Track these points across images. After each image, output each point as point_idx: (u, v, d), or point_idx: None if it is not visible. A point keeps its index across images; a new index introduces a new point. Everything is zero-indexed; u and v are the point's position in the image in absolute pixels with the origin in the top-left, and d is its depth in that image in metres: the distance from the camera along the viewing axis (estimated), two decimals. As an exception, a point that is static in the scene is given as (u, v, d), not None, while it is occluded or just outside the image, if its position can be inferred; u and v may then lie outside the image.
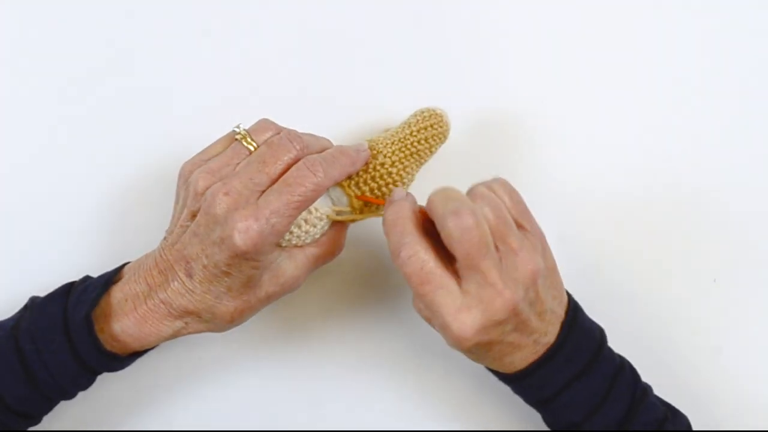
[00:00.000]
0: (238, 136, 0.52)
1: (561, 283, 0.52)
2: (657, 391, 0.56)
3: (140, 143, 0.60)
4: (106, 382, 0.56)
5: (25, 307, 0.52)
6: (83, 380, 0.52)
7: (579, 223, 0.61)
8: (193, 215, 0.50)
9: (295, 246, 0.53)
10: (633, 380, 0.52)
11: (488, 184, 0.50)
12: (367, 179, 0.55)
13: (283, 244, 0.53)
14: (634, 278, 0.62)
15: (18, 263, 0.58)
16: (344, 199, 0.55)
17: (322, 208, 0.53)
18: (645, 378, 0.56)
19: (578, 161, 0.62)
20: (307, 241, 0.53)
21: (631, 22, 0.63)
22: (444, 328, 0.47)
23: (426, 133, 0.56)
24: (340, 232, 0.55)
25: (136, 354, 0.52)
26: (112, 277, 0.51)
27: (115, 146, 0.60)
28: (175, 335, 0.51)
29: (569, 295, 0.53)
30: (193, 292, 0.50)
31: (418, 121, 0.57)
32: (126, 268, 0.52)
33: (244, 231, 0.47)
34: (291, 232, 0.52)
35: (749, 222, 0.63)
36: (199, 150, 0.53)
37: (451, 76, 0.61)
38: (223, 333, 0.56)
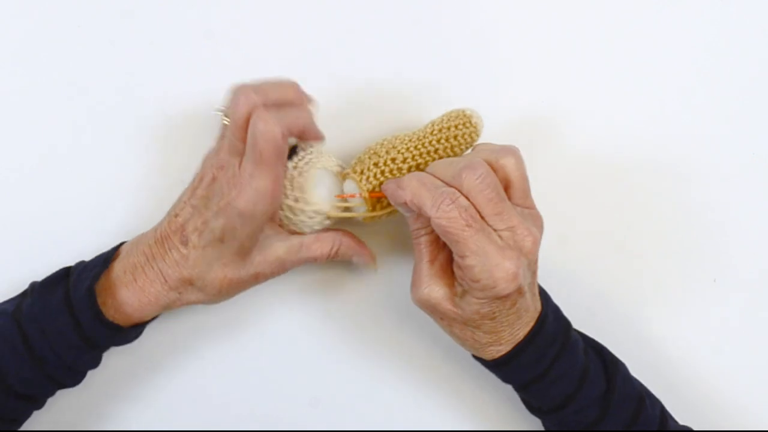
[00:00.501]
0: (218, 115, 0.54)
1: None
2: (656, 391, 0.56)
3: (140, 143, 0.60)
4: (105, 381, 0.56)
5: (24, 292, 0.53)
6: (87, 357, 0.52)
7: (579, 223, 0.61)
8: (193, 192, 0.52)
9: (297, 232, 0.54)
10: (593, 347, 0.55)
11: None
12: (377, 173, 0.54)
13: (284, 222, 0.54)
14: (634, 278, 0.62)
15: (16, 255, 0.58)
16: (356, 193, 0.54)
17: (321, 203, 0.53)
18: (645, 378, 0.56)
19: (578, 161, 0.62)
20: (304, 230, 0.54)
21: (640, 25, 0.63)
22: (489, 275, 0.48)
23: (448, 133, 0.55)
24: (345, 242, 0.55)
25: (137, 327, 0.53)
26: (111, 255, 0.53)
27: (116, 145, 0.60)
28: (169, 305, 0.53)
29: None
30: (187, 258, 0.52)
31: (442, 120, 0.56)
32: (123, 246, 0.54)
33: (238, 196, 0.50)
34: (287, 217, 0.53)
35: (749, 222, 0.63)
36: (200, 152, 0.54)
37: (451, 78, 0.61)
38: (223, 333, 0.57)
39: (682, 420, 0.56)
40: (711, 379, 0.60)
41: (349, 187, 0.54)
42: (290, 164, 0.54)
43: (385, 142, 0.55)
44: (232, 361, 0.60)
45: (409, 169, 0.54)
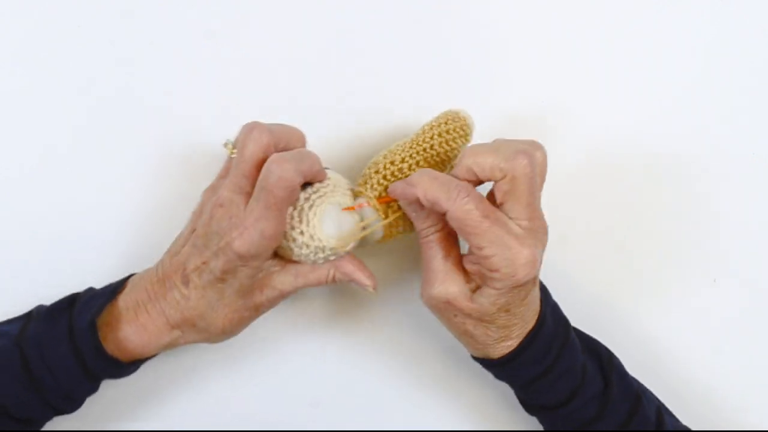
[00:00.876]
0: (227, 150, 0.54)
1: None
2: (656, 391, 0.56)
3: (141, 146, 0.60)
4: (105, 383, 0.56)
5: (29, 315, 0.53)
6: (86, 386, 0.52)
7: (579, 223, 0.61)
8: (193, 230, 0.52)
9: (293, 261, 0.53)
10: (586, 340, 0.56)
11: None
12: (380, 179, 0.54)
13: (287, 252, 0.53)
14: (634, 278, 0.62)
15: (19, 270, 0.58)
16: (370, 214, 0.54)
17: (327, 240, 0.52)
18: (644, 377, 0.56)
19: (578, 161, 0.62)
20: (308, 262, 0.53)
21: (640, 24, 0.63)
22: (509, 264, 0.48)
23: (440, 129, 0.55)
24: (333, 270, 0.54)
25: (138, 362, 0.53)
26: (118, 288, 0.53)
27: (116, 149, 0.59)
28: (172, 344, 0.53)
29: None
30: (188, 299, 0.51)
31: (438, 119, 0.56)
32: (130, 279, 0.54)
33: (238, 237, 0.49)
34: (290, 248, 0.52)
35: (749, 222, 0.63)
36: (200, 152, 0.56)
37: (451, 80, 0.61)
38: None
39: (681, 420, 0.56)
40: (710, 379, 0.60)
41: (359, 201, 0.54)
42: (302, 195, 0.52)
43: (384, 152, 0.56)
44: (232, 362, 0.60)
45: (410, 168, 0.54)
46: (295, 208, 0.52)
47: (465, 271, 0.52)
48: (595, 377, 0.53)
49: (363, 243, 0.55)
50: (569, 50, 0.62)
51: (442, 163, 0.56)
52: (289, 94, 0.60)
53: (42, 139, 0.59)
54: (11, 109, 0.59)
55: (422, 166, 0.54)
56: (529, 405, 0.56)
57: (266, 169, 0.49)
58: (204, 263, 0.50)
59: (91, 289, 0.53)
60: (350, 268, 0.54)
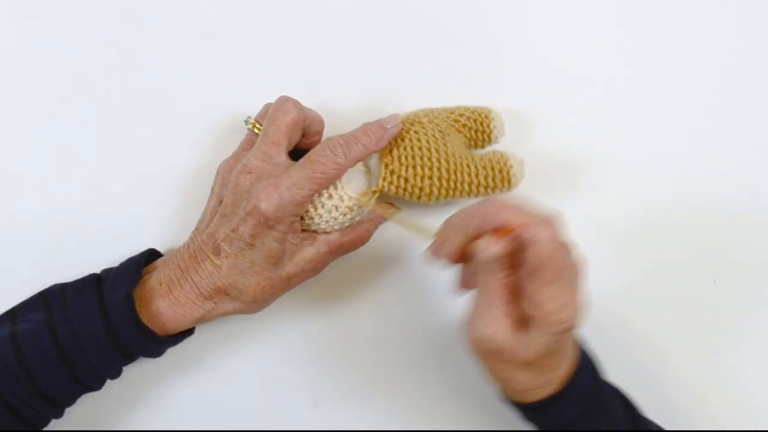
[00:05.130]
0: (248, 126, 0.56)
1: None
2: (656, 392, 0.56)
3: (142, 144, 0.60)
4: (110, 385, 0.56)
5: (46, 296, 0.53)
6: (116, 366, 0.53)
7: (579, 223, 0.61)
8: (220, 201, 0.54)
9: (324, 231, 0.55)
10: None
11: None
12: (408, 147, 0.55)
13: (312, 227, 0.54)
14: (634, 278, 0.62)
15: (21, 261, 0.59)
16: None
17: (353, 196, 0.54)
18: (644, 378, 0.56)
19: (577, 160, 0.62)
20: (335, 227, 0.55)
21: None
22: (568, 305, 0.47)
23: (471, 124, 0.57)
24: (368, 224, 0.57)
25: (170, 339, 0.54)
26: (141, 262, 0.54)
27: (118, 146, 0.60)
28: (205, 316, 0.54)
29: None
30: (220, 268, 0.52)
31: (468, 109, 0.58)
32: (158, 260, 0.56)
33: (266, 199, 0.51)
34: (320, 216, 0.54)
35: (750, 222, 0.63)
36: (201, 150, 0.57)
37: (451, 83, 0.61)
38: (223, 334, 0.56)
39: (680, 421, 0.56)
40: (710, 379, 0.60)
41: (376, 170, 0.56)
42: None
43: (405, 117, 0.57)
44: (232, 362, 0.60)
45: (437, 149, 0.55)
46: None
47: (517, 314, 0.48)
48: (625, 420, 0.52)
49: (383, 196, 0.56)
50: (582, 62, 0.62)
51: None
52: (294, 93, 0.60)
53: (42, 137, 0.59)
54: (11, 110, 0.59)
55: (453, 148, 0.55)
56: None
57: (321, 147, 0.52)
58: (233, 230, 0.52)
59: (111, 269, 0.54)
60: (374, 214, 0.57)
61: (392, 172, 0.55)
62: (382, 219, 0.58)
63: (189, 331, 0.56)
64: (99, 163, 0.60)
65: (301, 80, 0.60)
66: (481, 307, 0.48)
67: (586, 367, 0.52)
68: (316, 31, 0.61)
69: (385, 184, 0.55)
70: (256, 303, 0.54)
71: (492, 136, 0.58)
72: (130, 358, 0.53)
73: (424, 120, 0.56)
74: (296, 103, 0.55)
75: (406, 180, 0.55)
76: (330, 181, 0.52)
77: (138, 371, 0.58)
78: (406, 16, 0.62)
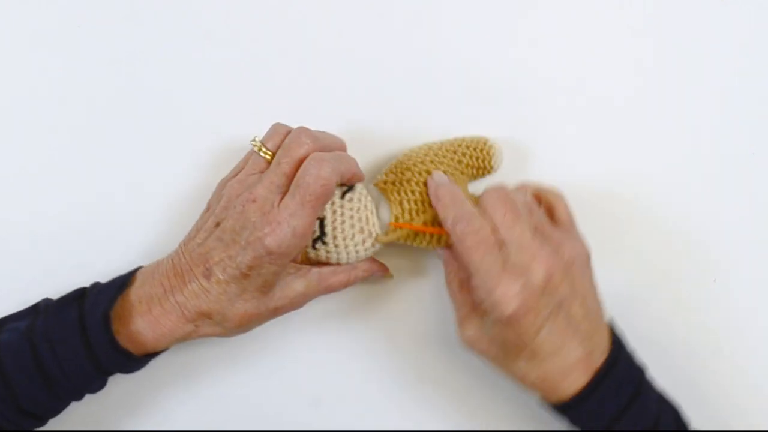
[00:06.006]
0: (254, 147, 0.54)
1: (601, 301, 0.54)
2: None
3: (142, 146, 0.60)
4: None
5: (36, 308, 0.53)
6: (95, 382, 0.53)
7: (579, 223, 0.61)
8: (218, 224, 0.52)
9: (337, 263, 0.55)
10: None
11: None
12: (407, 191, 0.55)
13: (323, 257, 0.55)
14: (634, 278, 0.61)
15: (21, 264, 0.59)
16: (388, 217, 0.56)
17: (383, 228, 0.55)
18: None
19: (576, 159, 0.62)
20: (349, 260, 0.55)
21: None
22: (489, 294, 0.49)
23: (472, 162, 0.58)
24: (359, 273, 0.56)
25: (149, 356, 0.53)
26: (127, 280, 0.53)
27: (118, 148, 0.60)
28: (185, 338, 0.53)
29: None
30: (208, 292, 0.51)
31: (467, 142, 0.58)
32: (139, 272, 0.54)
33: (271, 233, 0.49)
34: (335, 251, 0.55)
35: (749, 222, 0.63)
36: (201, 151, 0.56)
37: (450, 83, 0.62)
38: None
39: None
40: (711, 379, 0.60)
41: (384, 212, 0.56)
42: (345, 198, 0.55)
43: (408, 154, 0.57)
44: (232, 361, 0.60)
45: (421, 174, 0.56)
46: (341, 214, 0.54)
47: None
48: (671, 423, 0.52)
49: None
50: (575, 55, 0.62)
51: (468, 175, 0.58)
52: (295, 93, 0.61)
53: (42, 141, 0.60)
54: (12, 110, 0.59)
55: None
56: None
57: (304, 167, 0.51)
58: (230, 257, 0.50)
59: (98, 284, 0.54)
60: (368, 266, 0.56)
61: (397, 218, 0.55)
62: (376, 274, 0.57)
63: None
64: (99, 168, 0.60)
65: (297, 96, 0.61)
66: (455, 312, 0.54)
67: (618, 361, 0.51)
68: (318, 51, 0.61)
69: (392, 236, 0.55)
70: (238, 330, 0.53)
71: (492, 167, 0.59)
72: (107, 374, 0.53)
73: (428, 163, 0.56)
74: (310, 135, 0.53)
75: (416, 234, 0.55)
76: (323, 199, 0.51)
77: (136, 372, 0.58)
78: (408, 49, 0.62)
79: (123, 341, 0.51)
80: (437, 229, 0.55)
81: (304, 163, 0.51)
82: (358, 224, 0.55)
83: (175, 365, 0.59)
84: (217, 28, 0.61)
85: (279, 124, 0.55)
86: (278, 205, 0.50)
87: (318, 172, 0.50)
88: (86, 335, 0.50)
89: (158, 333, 0.52)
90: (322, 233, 0.54)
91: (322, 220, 0.54)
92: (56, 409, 0.53)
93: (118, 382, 0.56)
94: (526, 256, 0.50)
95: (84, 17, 0.60)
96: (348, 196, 0.55)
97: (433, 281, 0.61)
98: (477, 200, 0.54)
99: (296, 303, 0.54)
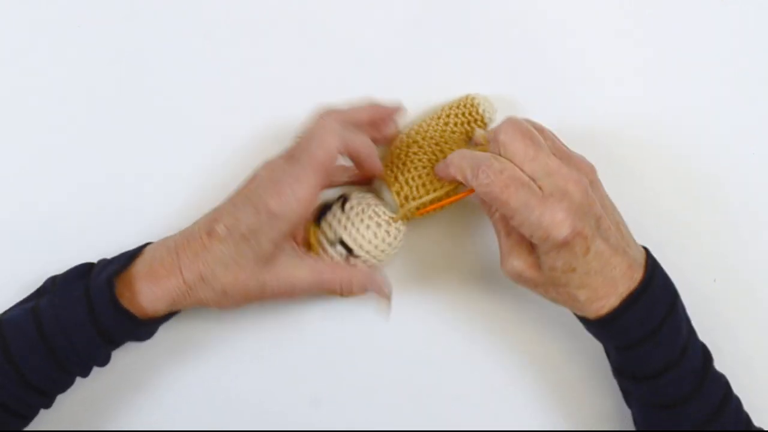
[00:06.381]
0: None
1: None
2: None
3: (143, 146, 0.60)
4: (108, 383, 0.57)
5: (42, 288, 0.54)
6: (101, 351, 0.53)
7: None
8: (239, 191, 0.54)
9: (365, 262, 0.56)
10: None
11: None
12: (402, 169, 0.56)
13: (358, 251, 0.55)
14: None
15: (21, 259, 0.59)
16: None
17: (400, 226, 0.56)
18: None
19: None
20: (377, 256, 0.56)
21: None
22: (538, 226, 0.49)
23: (462, 117, 0.58)
24: (360, 281, 0.56)
25: (150, 323, 0.54)
26: (135, 252, 0.54)
27: (118, 148, 0.60)
28: (179, 300, 0.53)
29: None
30: (207, 250, 0.52)
31: (455, 106, 0.58)
32: (148, 246, 0.55)
33: (274, 195, 0.51)
34: (363, 260, 0.55)
35: (750, 222, 0.63)
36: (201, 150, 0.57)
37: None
38: (223, 334, 0.57)
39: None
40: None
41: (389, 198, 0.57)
42: (346, 209, 0.56)
43: (402, 137, 0.58)
44: (232, 361, 0.60)
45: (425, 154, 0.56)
46: (346, 211, 0.55)
47: (529, 243, 0.53)
48: (696, 353, 0.53)
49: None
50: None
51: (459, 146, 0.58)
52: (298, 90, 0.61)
53: (42, 139, 0.60)
54: (12, 109, 0.59)
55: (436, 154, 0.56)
56: (621, 372, 0.55)
57: (310, 132, 0.52)
58: (236, 218, 0.51)
59: (105, 259, 0.55)
60: (368, 279, 0.56)
61: (406, 197, 0.55)
62: (377, 290, 0.57)
63: (167, 317, 0.55)
64: (99, 168, 0.60)
65: (290, 78, 0.61)
66: (500, 245, 0.54)
67: (648, 289, 0.52)
68: (309, 32, 0.61)
69: (404, 210, 0.55)
70: (225, 297, 0.53)
71: (483, 117, 0.59)
72: (112, 343, 0.53)
73: (419, 139, 0.57)
74: (333, 109, 0.55)
75: (423, 204, 0.56)
76: (325, 167, 0.52)
77: (137, 373, 0.59)
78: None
79: (125, 303, 0.51)
80: (447, 190, 0.55)
81: (310, 129, 0.53)
82: (372, 222, 0.55)
83: (174, 365, 0.60)
84: (217, 28, 0.61)
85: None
86: (287, 171, 0.51)
87: (321, 139, 0.51)
88: (90, 299, 0.51)
89: (156, 292, 0.52)
90: (349, 250, 0.55)
91: (341, 240, 0.55)
92: (63, 384, 0.53)
93: (116, 383, 0.56)
94: (560, 181, 0.50)
95: (84, 17, 0.60)
96: (348, 205, 0.56)
97: (435, 282, 0.61)
98: (485, 148, 0.54)
99: (289, 289, 0.54)
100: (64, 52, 0.60)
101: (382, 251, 0.56)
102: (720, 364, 0.55)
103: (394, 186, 0.56)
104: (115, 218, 0.59)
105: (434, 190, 0.56)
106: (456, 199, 0.56)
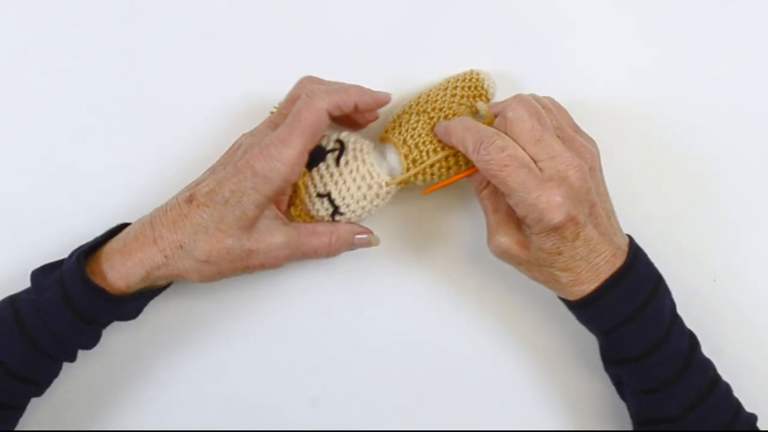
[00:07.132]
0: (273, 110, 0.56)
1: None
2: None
3: (142, 146, 0.60)
4: (103, 383, 0.57)
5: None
6: (80, 333, 0.52)
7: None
8: (219, 161, 0.54)
9: (348, 220, 0.55)
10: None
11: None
12: (412, 133, 0.56)
13: (339, 207, 0.55)
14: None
15: (19, 259, 0.59)
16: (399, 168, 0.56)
17: (385, 177, 0.55)
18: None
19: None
20: (357, 211, 0.55)
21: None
22: (534, 208, 0.50)
23: (467, 92, 0.58)
24: (342, 240, 0.55)
25: (126, 300, 0.52)
26: (112, 232, 0.54)
27: (118, 148, 0.60)
28: (154, 271, 0.52)
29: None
30: (186, 218, 0.51)
31: (459, 79, 0.59)
32: (126, 227, 0.54)
33: (258, 155, 0.50)
34: (348, 219, 0.55)
35: (750, 221, 0.63)
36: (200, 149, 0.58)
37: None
38: (222, 333, 0.57)
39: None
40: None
41: (392, 159, 0.56)
42: (341, 164, 0.55)
43: (409, 104, 0.58)
44: (231, 361, 0.60)
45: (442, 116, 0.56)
46: (338, 163, 0.55)
47: (518, 221, 0.53)
48: (683, 336, 0.54)
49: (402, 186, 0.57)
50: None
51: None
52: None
53: (42, 138, 0.60)
54: (12, 108, 0.60)
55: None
56: (608, 357, 0.55)
57: (299, 97, 0.52)
58: (218, 183, 0.51)
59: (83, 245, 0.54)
60: (351, 229, 0.55)
61: (414, 161, 0.55)
62: (361, 239, 0.56)
63: (148, 295, 0.54)
64: (98, 167, 0.60)
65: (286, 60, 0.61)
66: (487, 221, 0.55)
67: (629, 272, 0.52)
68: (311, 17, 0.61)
69: (411, 175, 0.55)
70: (207, 265, 0.52)
71: (487, 91, 0.59)
72: (91, 323, 0.52)
73: (428, 108, 0.57)
74: (316, 80, 0.55)
75: (432, 165, 0.55)
76: (314, 128, 0.51)
77: (136, 373, 0.59)
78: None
79: (97, 279, 0.51)
80: (449, 159, 0.55)
81: (300, 95, 0.52)
82: (364, 183, 0.55)
83: (173, 364, 0.60)
84: (217, 28, 0.61)
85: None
86: (272, 134, 0.51)
87: (308, 102, 0.51)
88: (62, 280, 0.50)
89: (129, 265, 0.51)
90: (336, 208, 0.55)
91: (329, 196, 0.55)
92: (49, 371, 0.53)
93: (112, 383, 0.56)
94: (561, 165, 0.50)
95: (84, 17, 0.60)
96: (342, 160, 0.55)
97: (435, 281, 0.61)
98: (490, 123, 0.55)
99: (272, 256, 0.53)
100: (64, 52, 0.60)
101: (368, 212, 0.56)
102: (720, 364, 0.55)
103: (402, 148, 0.56)
104: (115, 218, 0.59)
105: (444, 155, 0.55)
106: (461, 177, 0.56)
